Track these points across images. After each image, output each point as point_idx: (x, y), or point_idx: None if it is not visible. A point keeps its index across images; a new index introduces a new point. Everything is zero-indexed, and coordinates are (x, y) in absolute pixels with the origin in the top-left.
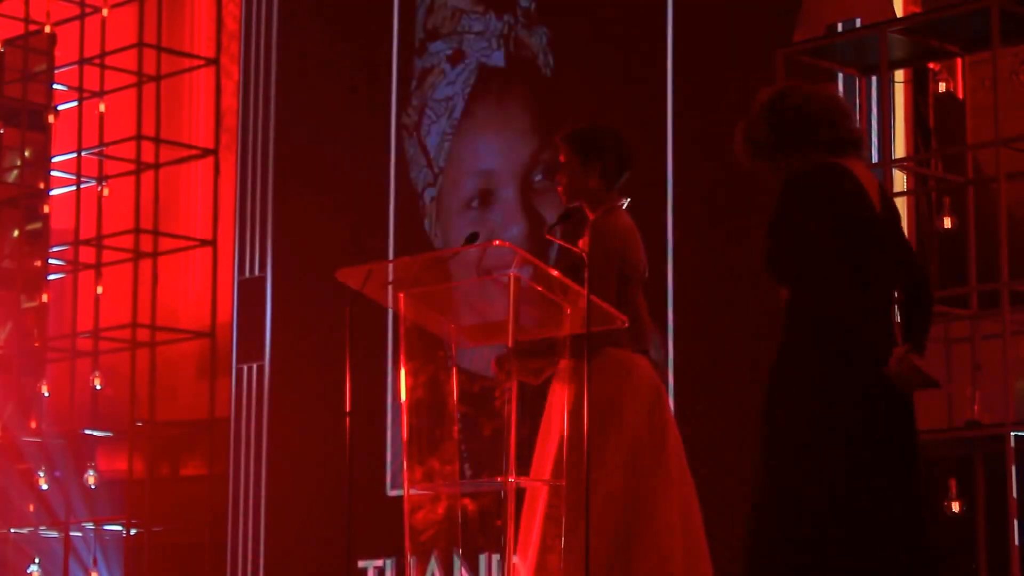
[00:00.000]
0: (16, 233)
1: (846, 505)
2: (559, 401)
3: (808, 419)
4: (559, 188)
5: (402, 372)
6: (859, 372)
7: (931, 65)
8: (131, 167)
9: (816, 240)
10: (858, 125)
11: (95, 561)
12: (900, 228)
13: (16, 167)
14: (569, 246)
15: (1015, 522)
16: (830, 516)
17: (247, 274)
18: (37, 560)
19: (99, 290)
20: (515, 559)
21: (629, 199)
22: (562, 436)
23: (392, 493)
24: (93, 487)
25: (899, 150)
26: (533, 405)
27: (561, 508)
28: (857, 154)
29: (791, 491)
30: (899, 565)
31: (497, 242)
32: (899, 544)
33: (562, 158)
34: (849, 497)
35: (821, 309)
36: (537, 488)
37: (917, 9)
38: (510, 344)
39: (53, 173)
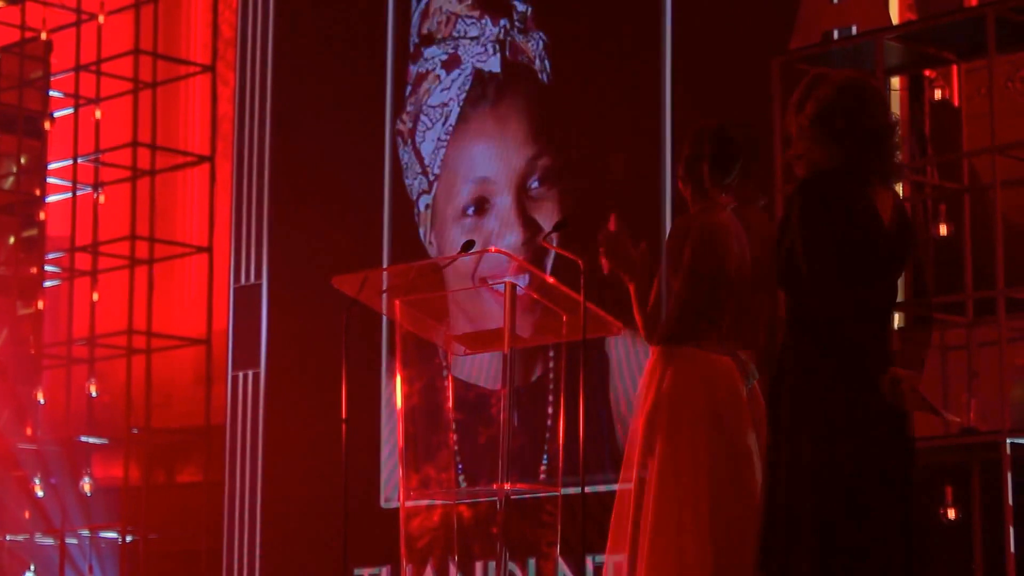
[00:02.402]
0: (12, 240)
1: (840, 514)
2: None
3: (807, 429)
4: None
5: (398, 379)
6: (856, 382)
7: (927, 72)
8: (127, 174)
9: (815, 249)
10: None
11: (90, 568)
12: (907, 247)
13: (12, 174)
14: (565, 253)
15: (1011, 529)
16: (825, 524)
17: (243, 281)
18: (32, 567)
19: (95, 297)
20: (617, 558)
21: (731, 200)
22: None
23: (386, 503)
24: (89, 494)
25: None
26: (528, 412)
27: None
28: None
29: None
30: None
31: (493, 249)
32: (885, 556)
33: None
34: (843, 506)
35: (818, 315)
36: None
37: (913, 16)
38: (505, 350)
39: (49, 180)
